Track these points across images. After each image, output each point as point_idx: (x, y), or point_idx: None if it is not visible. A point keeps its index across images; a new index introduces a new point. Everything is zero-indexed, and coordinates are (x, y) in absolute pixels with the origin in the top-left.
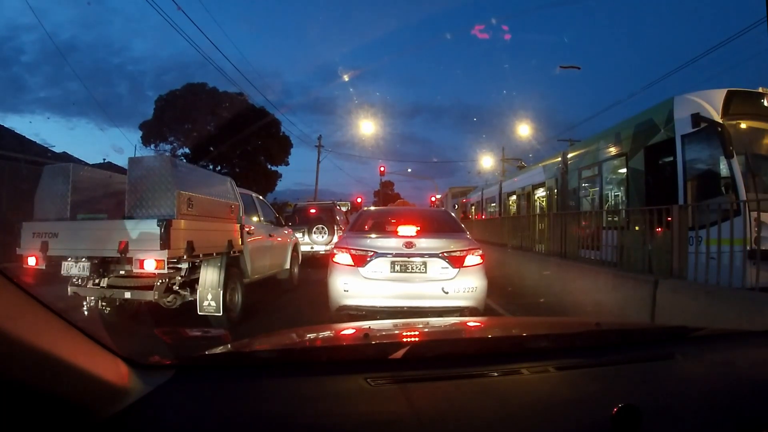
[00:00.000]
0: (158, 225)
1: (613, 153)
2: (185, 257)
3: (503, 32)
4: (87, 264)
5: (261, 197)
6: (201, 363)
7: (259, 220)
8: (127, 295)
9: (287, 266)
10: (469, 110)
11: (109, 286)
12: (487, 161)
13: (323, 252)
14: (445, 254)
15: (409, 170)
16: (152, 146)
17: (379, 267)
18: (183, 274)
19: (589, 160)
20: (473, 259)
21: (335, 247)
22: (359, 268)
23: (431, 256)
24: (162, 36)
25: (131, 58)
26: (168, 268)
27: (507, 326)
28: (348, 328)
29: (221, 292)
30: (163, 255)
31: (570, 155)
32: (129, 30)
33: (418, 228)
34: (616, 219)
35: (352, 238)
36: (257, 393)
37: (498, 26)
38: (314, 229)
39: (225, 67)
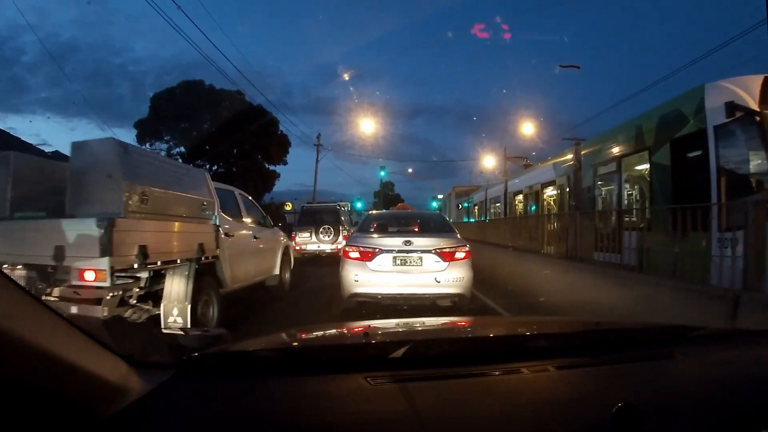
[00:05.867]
0: (97, 225)
1: (633, 147)
2: (136, 266)
3: (504, 32)
4: (23, 273)
5: (245, 194)
6: (201, 362)
7: (243, 220)
8: (74, 310)
9: (276, 271)
10: (470, 110)
11: (60, 298)
12: (489, 161)
13: (329, 251)
14: (437, 250)
15: (410, 170)
16: (148, 145)
17: (384, 261)
18: (143, 284)
19: (606, 155)
20: (461, 254)
21: (347, 245)
22: (367, 263)
23: (426, 252)
24: (163, 36)
25: (132, 58)
26: (120, 277)
27: (507, 325)
28: (348, 328)
29: (189, 306)
30: (104, 263)
31: (584, 151)
32: (130, 30)
33: (416, 228)
34: (637, 219)
35: (361, 238)
36: (257, 393)
37: (498, 26)
38: (321, 230)
39: (225, 68)
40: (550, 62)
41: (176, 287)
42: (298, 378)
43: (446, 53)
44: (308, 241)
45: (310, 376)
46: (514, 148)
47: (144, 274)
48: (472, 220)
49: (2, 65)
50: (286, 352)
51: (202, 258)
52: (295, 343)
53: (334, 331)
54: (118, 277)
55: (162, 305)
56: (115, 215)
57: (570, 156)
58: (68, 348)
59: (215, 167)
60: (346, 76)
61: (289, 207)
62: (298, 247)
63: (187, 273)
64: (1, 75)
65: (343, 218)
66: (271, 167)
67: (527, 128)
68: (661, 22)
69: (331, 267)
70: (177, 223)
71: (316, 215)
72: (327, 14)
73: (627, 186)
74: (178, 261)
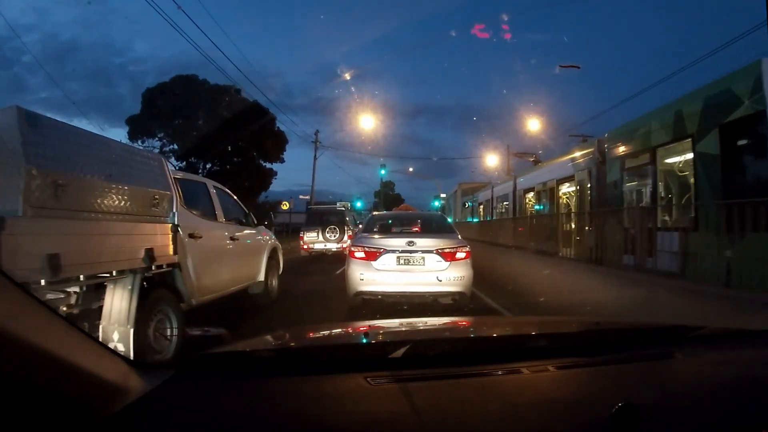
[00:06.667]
0: None
1: (671, 136)
2: (43, 282)
3: (504, 32)
4: None
5: (222, 187)
6: (201, 362)
7: (217, 219)
8: None
9: (261, 277)
10: (470, 110)
11: None
12: (492, 159)
13: (335, 249)
14: (439, 250)
15: (411, 169)
16: (140, 142)
17: (388, 260)
18: (74, 301)
19: (637, 146)
20: (461, 254)
21: (352, 245)
22: (372, 262)
23: (428, 252)
24: (163, 36)
25: (132, 58)
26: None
27: (507, 325)
28: (348, 328)
29: (132, 329)
30: None
31: (609, 143)
32: (130, 30)
33: (418, 229)
34: (678, 218)
35: (366, 238)
36: (257, 393)
37: (499, 25)
38: (327, 230)
39: (226, 67)
40: (550, 62)
41: (117, 305)
42: (298, 378)
43: (447, 53)
44: (315, 240)
45: (310, 375)
46: (517, 147)
47: (74, 288)
48: (476, 219)
49: (2, 65)
50: (286, 352)
51: (152, 267)
52: (295, 343)
53: (334, 331)
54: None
55: (100, 328)
56: (11, 213)
57: (592, 149)
58: (68, 348)
59: (209, 165)
60: (347, 76)
61: (286, 206)
62: (305, 246)
63: (130, 287)
64: (1, 75)
65: (347, 218)
66: (268, 165)
67: (531, 125)
68: (663, 20)
69: (334, 264)
70: (111, 223)
71: (323, 216)
72: (328, 14)
73: (663, 180)
74: (114, 273)
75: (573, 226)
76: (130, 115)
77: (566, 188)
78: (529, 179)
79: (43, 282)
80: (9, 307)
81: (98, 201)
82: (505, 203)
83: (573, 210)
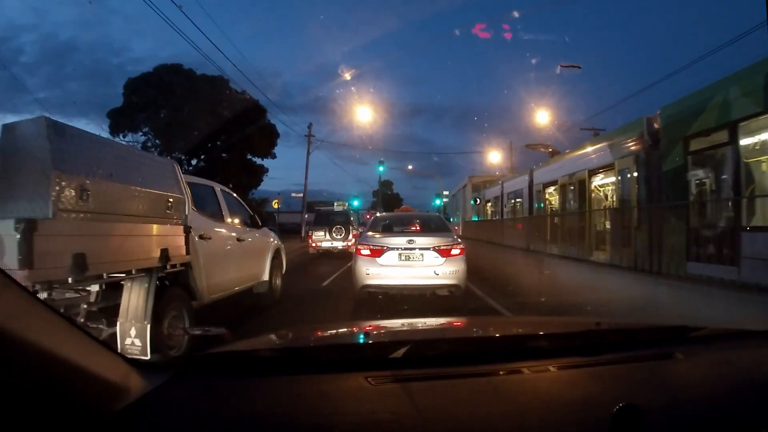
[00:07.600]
0: (15, 229)
1: (763, 104)
2: (71, 280)
3: (505, 31)
4: None
5: (229, 190)
6: (201, 362)
7: (224, 220)
8: None
9: (265, 277)
10: (470, 110)
11: None
12: (495, 156)
13: (341, 248)
14: (436, 248)
15: (410, 167)
16: (121, 136)
17: (391, 257)
18: (94, 299)
19: (708, 121)
20: (456, 251)
21: (358, 244)
22: (376, 258)
23: (426, 249)
24: (162, 36)
25: (131, 58)
26: (63, 290)
27: (508, 325)
28: (348, 327)
29: (148, 325)
30: (23, 278)
31: (664, 121)
32: (129, 30)
33: (417, 229)
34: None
35: (370, 237)
36: (257, 392)
37: (499, 25)
38: (333, 229)
39: (225, 67)
40: (551, 61)
41: (134, 303)
42: (298, 378)
43: (447, 53)
44: (323, 239)
45: (310, 375)
46: (517, 145)
47: (95, 287)
48: (481, 219)
49: (1, 66)
50: (287, 351)
51: (167, 266)
52: (296, 343)
53: (335, 330)
54: (57, 290)
55: (118, 324)
56: (41, 216)
57: (638, 129)
58: (69, 348)
59: (194, 160)
60: (346, 75)
61: (276, 205)
62: (314, 244)
63: (147, 285)
64: (1, 75)
65: (352, 219)
66: (258, 161)
67: (538, 119)
68: (662, 19)
69: (340, 260)
70: (131, 225)
71: (330, 217)
72: (327, 13)
73: (752, 165)
74: (133, 271)
75: (608, 225)
76: (112, 108)
77: (602, 180)
78: (549, 171)
79: (70, 280)
80: (11, 308)
81: (119, 204)
82: (517, 200)
83: (611, 205)
